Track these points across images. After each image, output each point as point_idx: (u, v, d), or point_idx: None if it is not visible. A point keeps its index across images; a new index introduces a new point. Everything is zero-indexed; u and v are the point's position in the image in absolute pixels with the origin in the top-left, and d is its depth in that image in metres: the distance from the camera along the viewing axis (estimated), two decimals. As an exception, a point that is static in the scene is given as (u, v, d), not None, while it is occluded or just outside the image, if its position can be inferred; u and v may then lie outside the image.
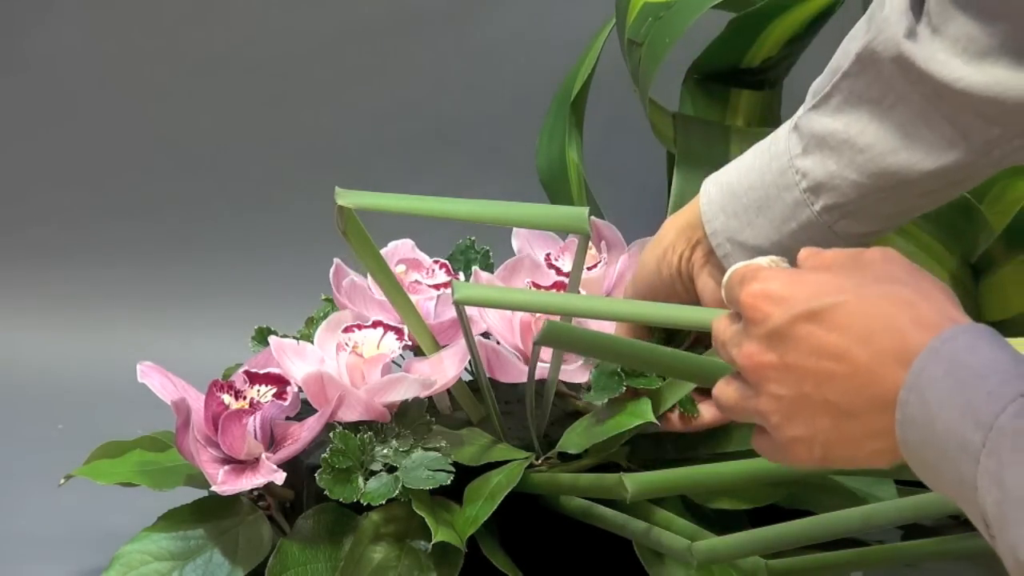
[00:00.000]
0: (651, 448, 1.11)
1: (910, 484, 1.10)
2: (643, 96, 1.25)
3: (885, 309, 0.74)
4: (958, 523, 1.12)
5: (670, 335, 1.12)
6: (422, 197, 1.10)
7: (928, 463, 0.71)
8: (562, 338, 0.95)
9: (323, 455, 1.05)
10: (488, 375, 1.12)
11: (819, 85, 1.00)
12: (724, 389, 0.80)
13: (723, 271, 1.04)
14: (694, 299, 1.07)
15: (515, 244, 1.24)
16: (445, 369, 1.10)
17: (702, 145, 1.26)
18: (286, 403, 1.09)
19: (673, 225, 1.08)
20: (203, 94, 1.67)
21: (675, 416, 1.09)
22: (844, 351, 0.74)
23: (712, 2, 1.21)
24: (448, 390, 1.13)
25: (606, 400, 1.07)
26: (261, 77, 1.67)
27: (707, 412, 1.08)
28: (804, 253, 0.80)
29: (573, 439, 1.08)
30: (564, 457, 1.10)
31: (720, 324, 0.80)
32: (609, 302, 1.03)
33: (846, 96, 0.98)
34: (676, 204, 1.19)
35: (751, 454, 1.07)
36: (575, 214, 1.07)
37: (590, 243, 1.14)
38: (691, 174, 1.22)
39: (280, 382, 1.10)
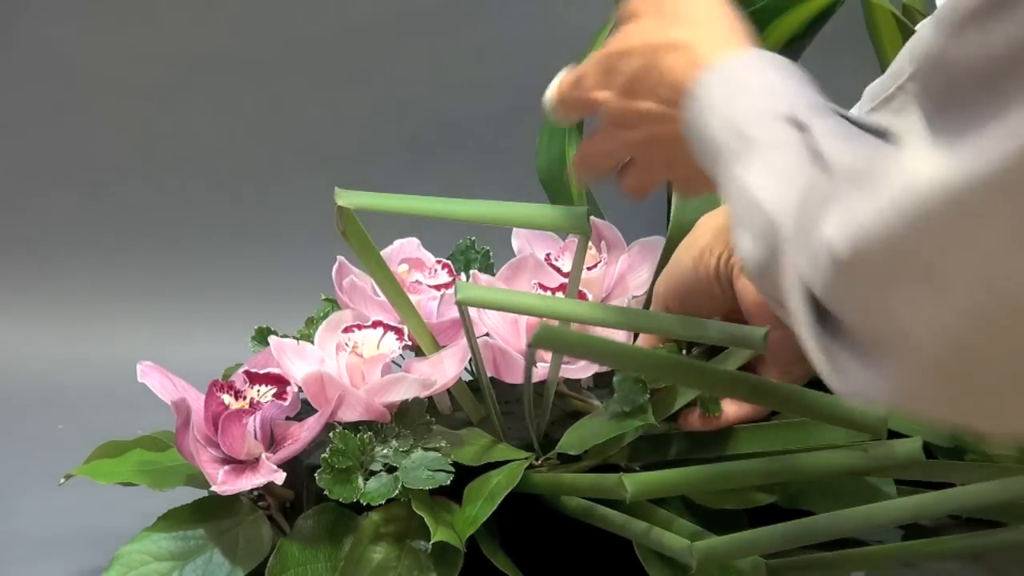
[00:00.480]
0: (652, 449, 1.11)
1: (910, 484, 1.10)
2: None
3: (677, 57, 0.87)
4: (958, 523, 1.12)
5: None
6: (421, 197, 1.10)
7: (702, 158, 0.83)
8: (557, 341, 0.95)
9: (323, 455, 1.05)
10: (495, 375, 1.12)
11: (878, 89, 1.00)
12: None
13: None
14: (731, 300, 1.07)
15: (515, 244, 1.25)
16: (445, 369, 1.10)
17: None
18: (286, 403, 1.09)
19: (709, 226, 1.08)
20: (203, 94, 1.67)
21: (695, 415, 1.08)
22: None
23: None
24: (448, 390, 1.13)
25: (629, 409, 1.07)
26: (261, 77, 1.67)
27: (730, 410, 1.08)
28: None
29: (573, 440, 1.08)
30: (564, 457, 1.10)
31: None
32: (617, 311, 1.04)
33: (910, 97, 0.97)
34: (677, 214, 1.19)
35: (752, 456, 1.07)
36: (575, 214, 1.07)
37: (590, 243, 1.14)
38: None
39: (280, 382, 1.10)
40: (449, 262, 1.21)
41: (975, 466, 1.08)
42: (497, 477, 1.06)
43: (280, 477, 1.05)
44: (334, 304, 1.20)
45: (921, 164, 0.60)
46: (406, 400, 1.09)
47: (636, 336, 1.15)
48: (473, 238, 1.27)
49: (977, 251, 0.60)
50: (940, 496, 1.01)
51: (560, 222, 1.10)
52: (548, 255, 1.20)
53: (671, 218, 1.19)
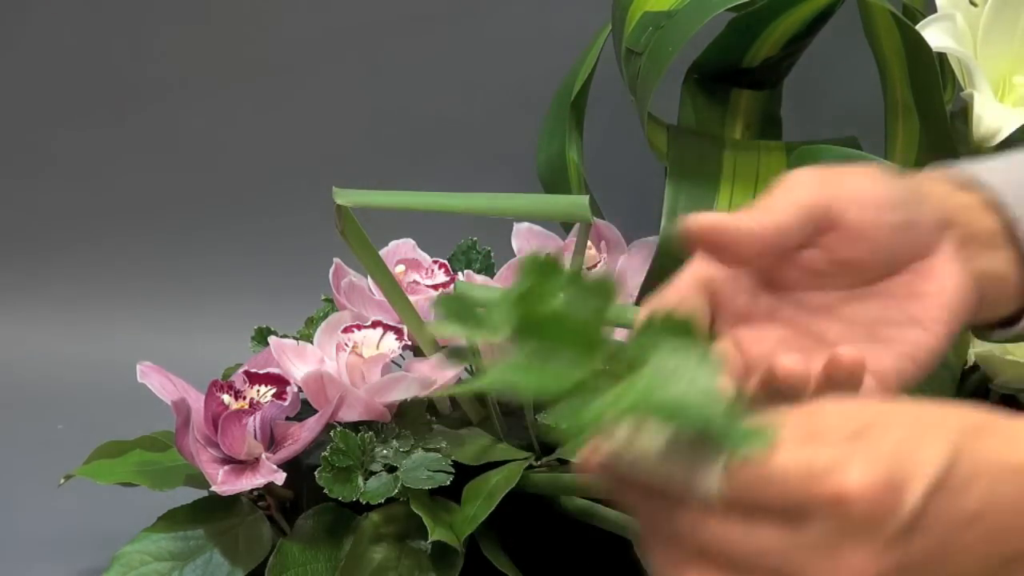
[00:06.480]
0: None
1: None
2: (641, 107, 1.24)
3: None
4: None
5: None
6: (420, 192, 1.10)
7: None
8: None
9: (323, 454, 1.05)
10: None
11: None
12: None
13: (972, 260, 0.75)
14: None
15: (515, 244, 1.25)
16: (445, 369, 1.10)
17: (695, 158, 1.25)
18: (286, 403, 1.09)
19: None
20: (203, 94, 1.67)
21: None
22: (981, 508, 0.61)
23: (717, 9, 1.20)
24: (448, 390, 1.14)
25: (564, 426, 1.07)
26: (261, 77, 1.67)
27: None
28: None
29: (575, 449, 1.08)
30: (564, 459, 1.10)
31: (768, 535, 0.59)
32: (619, 308, 1.03)
33: None
34: (669, 216, 1.19)
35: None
36: (576, 202, 1.07)
37: (589, 243, 1.14)
38: (682, 186, 1.22)
39: (280, 382, 1.10)
40: (446, 262, 1.21)
41: None
42: (496, 477, 1.06)
43: (280, 477, 1.05)
44: (334, 304, 1.20)
45: None
46: (406, 400, 1.09)
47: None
48: (475, 238, 1.27)
49: None
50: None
51: (561, 210, 1.11)
52: (548, 255, 1.20)
53: (664, 215, 1.19)
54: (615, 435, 0.61)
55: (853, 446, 0.59)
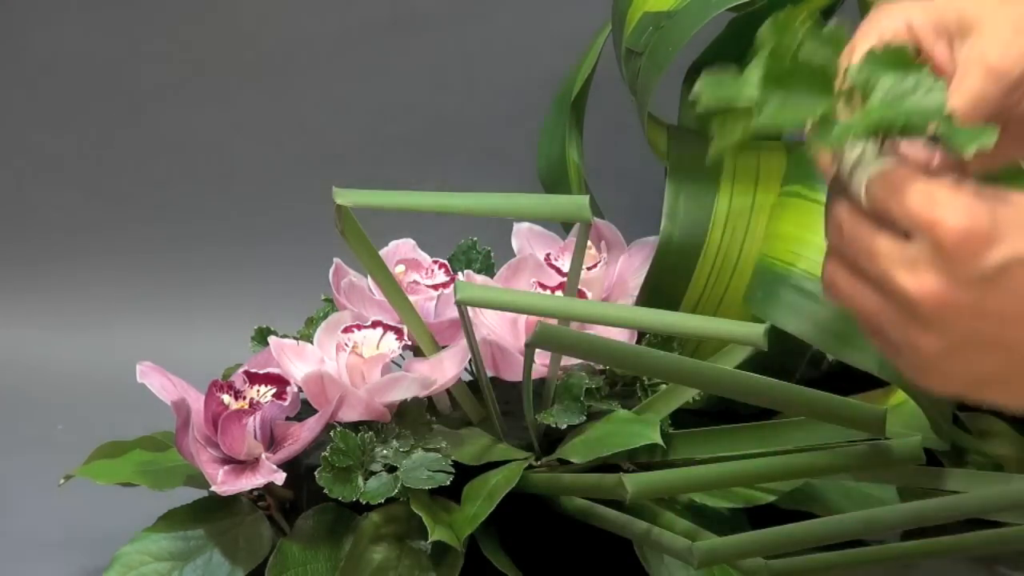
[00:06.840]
0: (651, 449, 1.11)
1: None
2: (641, 107, 1.24)
3: None
4: (958, 523, 1.12)
5: None
6: (420, 193, 1.10)
7: None
8: (555, 340, 0.95)
9: (323, 454, 1.05)
10: (494, 374, 1.12)
11: None
12: (866, 299, 0.70)
13: None
14: None
15: (515, 244, 1.25)
16: (445, 369, 1.10)
17: (695, 158, 1.25)
18: (286, 403, 1.09)
19: None
20: (203, 94, 1.67)
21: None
22: None
23: (717, 9, 1.20)
24: (448, 390, 1.13)
25: (565, 425, 1.08)
26: (261, 77, 1.67)
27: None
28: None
29: (577, 449, 1.08)
30: (564, 459, 1.10)
31: (880, 240, 0.69)
32: (619, 308, 1.03)
33: None
34: (669, 216, 1.19)
35: (752, 456, 1.07)
36: (576, 202, 1.07)
37: (589, 243, 1.14)
38: (682, 186, 1.22)
39: (280, 382, 1.10)
40: (446, 262, 1.21)
41: (974, 474, 1.08)
42: (496, 477, 1.06)
43: (280, 477, 1.05)
44: (334, 304, 1.20)
45: None
46: (406, 400, 1.09)
47: (639, 335, 1.15)
48: (475, 238, 1.27)
49: None
50: (940, 503, 1.01)
51: (561, 211, 1.11)
52: (548, 255, 1.20)
53: (664, 215, 1.19)
54: (845, 150, 0.71)
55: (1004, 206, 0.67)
